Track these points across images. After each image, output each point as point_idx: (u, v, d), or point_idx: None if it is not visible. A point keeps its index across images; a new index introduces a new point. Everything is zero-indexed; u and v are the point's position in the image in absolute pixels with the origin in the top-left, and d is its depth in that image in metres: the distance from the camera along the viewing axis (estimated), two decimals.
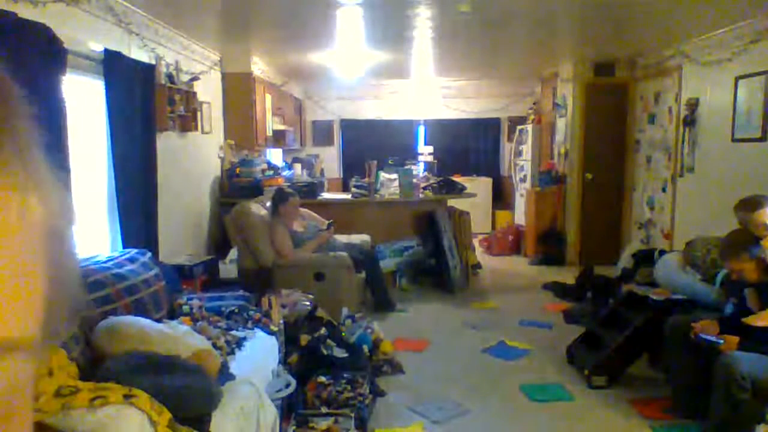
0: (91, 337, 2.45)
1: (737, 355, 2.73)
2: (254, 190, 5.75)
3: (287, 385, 2.95)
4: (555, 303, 5.51)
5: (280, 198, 4.85)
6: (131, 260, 3.10)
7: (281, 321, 3.45)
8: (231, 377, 2.52)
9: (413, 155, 9.48)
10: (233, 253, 4.78)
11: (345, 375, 3.31)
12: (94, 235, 3.61)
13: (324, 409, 3.03)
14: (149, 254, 3.31)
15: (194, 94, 4.90)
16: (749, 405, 2.63)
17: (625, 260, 5.66)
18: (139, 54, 3.97)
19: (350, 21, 4.59)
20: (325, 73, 7.43)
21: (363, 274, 5.15)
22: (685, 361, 3.14)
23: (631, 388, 3.56)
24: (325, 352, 3.54)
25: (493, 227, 9.35)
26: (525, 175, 8.47)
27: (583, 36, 5.62)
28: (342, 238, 5.36)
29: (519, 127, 9.01)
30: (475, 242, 7.53)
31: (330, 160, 9.87)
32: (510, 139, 9.77)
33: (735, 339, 2.80)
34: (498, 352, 4.23)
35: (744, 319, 2.85)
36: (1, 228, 0.26)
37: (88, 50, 3.30)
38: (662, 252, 4.72)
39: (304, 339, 3.59)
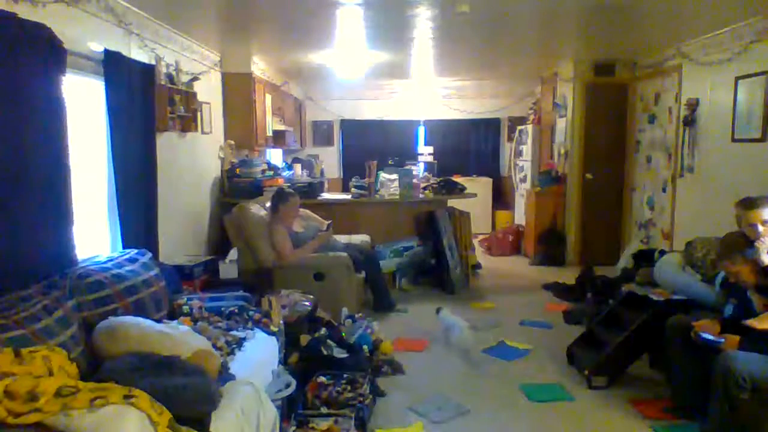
0: (91, 337, 2.45)
1: (737, 355, 2.72)
2: (254, 190, 5.76)
3: (287, 386, 2.95)
4: (555, 303, 5.51)
5: (280, 198, 4.85)
6: (131, 260, 3.10)
7: (281, 321, 3.45)
8: (231, 377, 2.52)
9: (413, 155, 9.49)
10: (233, 254, 4.78)
11: (345, 375, 3.32)
12: (94, 235, 3.61)
13: (324, 410, 3.03)
14: (149, 254, 3.31)
15: (194, 94, 4.91)
16: (748, 405, 2.63)
17: (625, 260, 5.66)
18: (139, 54, 3.97)
19: (350, 21, 4.60)
20: (325, 74, 7.43)
21: (363, 274, 5.16)
22: (685, 361, 3.14)
23: (631, 388, 3.56)
24: (325, 352, 3.54)
25: (493, 227, 9.36)
26: (525, 175, 8.48)
27: (583, 36, 5.62)
28: (342, 238, 5.36)
29: (519, 128, 9.01)
30: (475, 242, 7.53)
31: (330, 160, 9.88)
32: (510, 139, 9.78)
33: (736, 338, 2.80)
34: (498, 352, 4.23)
35: (747, 321, 2.85)
36: None
37: (88, 50, 3.30)
38: (662, 252, 4.71)
39: (304, 339, 3.59)
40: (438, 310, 4.49)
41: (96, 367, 2.25)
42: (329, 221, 5.19)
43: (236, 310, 3.28)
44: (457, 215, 6.23)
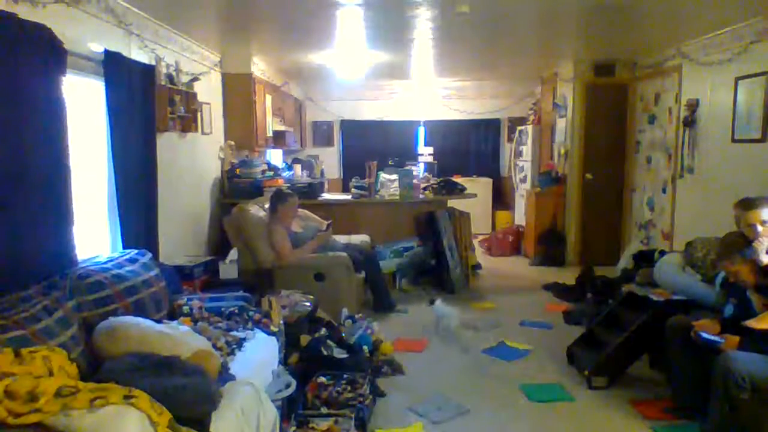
0: (91, 337, 2.45)
1: (737, 355, 2.72)
2: (254, 190, 5.76)
3: (287, 386, 2.95)
4: (555, 303, 5.51)
5: (278, 198, 4.85)
6: (131, 261, 3.10)
7: (281, 321, 3.45)
8: (231, 378, 2.52)
9: (413, 156, 9.49)
10: (233, 254, 4.78)
11: (345, 375, 3.32)
12: (94, 235, 3.61)
13: (324, 410, 3.03)
14: (149, 255, 3.31)
15: (194, 94, 4.91)
16: (748, 405, 2.63)
17: (625, 261, 5.66)
18: (139, 55, 3.97)
19: (350, 21, 4.60)
20: (325, 74, 7.43)
21: (363, 275, 5.15)
22: (685, 361, 3.14)
23: (631, 389, 3.56)
24: (325, 352, 3.55)
25: (493, 228, 9.35)
26: (525, 176, 8.48)
27: (583, 36, 5.62)
28: (342, 239, 5.36)
29: (519, 128, 9.01)
30: (476, 243, 7.53)
31: (330, 160, 9.88)
32: (510, 140, 9.77)
33: (736, 338, 2.80)
34: (498, 353, 4.23)
35: (745, 322, 2.85)
36: None
37: (88, 51, 3.30)
38: (662, 252, 4.72)
39: (304, 339, 3.59)
40: (432, 302, 4.53)
41: (96, 367, 2.25)
42: (329, 221, 5.19)
43: (236, 311, 3.28)
44: (457, 215, 6.23)
